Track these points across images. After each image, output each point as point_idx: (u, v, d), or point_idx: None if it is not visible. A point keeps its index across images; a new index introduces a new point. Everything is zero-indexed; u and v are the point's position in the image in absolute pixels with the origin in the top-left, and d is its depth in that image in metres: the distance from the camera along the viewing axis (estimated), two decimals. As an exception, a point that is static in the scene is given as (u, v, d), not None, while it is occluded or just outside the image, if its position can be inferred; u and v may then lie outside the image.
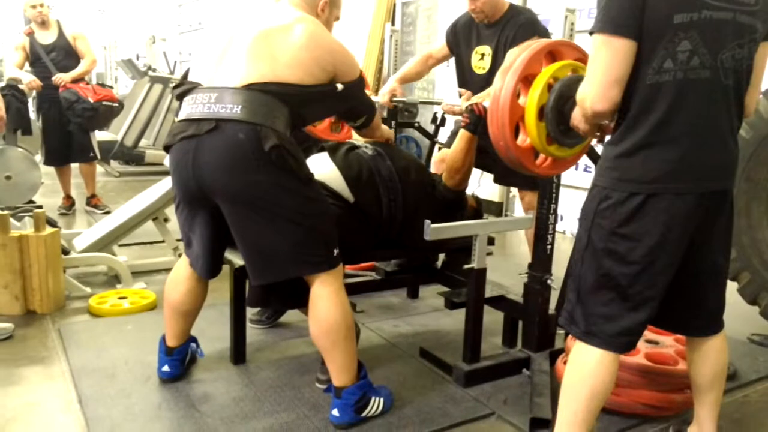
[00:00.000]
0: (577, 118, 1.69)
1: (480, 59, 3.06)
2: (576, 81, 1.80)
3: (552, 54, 1.94)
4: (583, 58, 1.97)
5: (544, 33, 2.92)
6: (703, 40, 1.51)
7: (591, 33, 1.56)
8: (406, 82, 3.39)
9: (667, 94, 1.53)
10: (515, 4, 3.04)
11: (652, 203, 1.56)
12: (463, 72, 3.18)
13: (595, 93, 1.53)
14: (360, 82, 2.12)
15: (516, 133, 1.91)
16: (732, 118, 1.62)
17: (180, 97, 2.01)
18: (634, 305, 1.63)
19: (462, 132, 2.40)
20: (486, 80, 2.98)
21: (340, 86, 2.01)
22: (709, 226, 1.67)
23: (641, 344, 2.22)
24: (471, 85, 3.12)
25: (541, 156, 2.00)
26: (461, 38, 3.15)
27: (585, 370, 1.67)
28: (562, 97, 1.82)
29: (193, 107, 1.91)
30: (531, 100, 1.86)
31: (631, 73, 1.54)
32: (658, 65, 1.52)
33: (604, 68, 1.52)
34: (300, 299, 2.10)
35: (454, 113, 2.65)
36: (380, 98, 3.24)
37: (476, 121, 2.30)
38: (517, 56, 1.92)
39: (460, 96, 2.68)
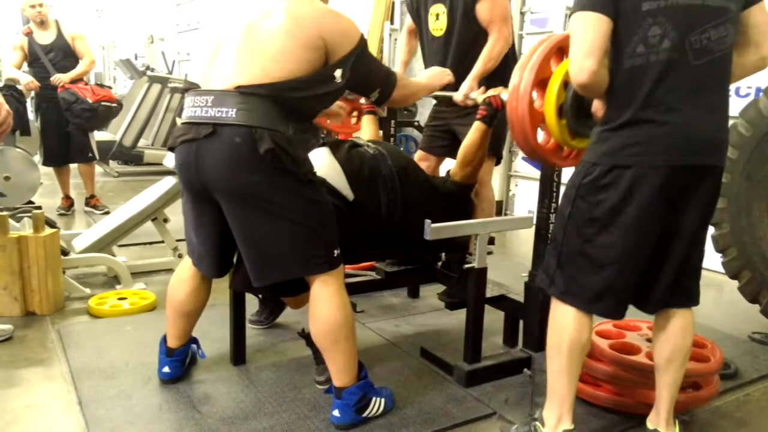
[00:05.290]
0: (595, 104, 1.82)
1: (436, 20, 2.82)
2: None
3: (562, 50, 1.99)
4: None
5: None
6: (671, 24, 1.62)
7: (571, 15, 1.69)
8: (408, 64, 3.17)
9: (642, 76, 1.64)
10: None
11: (631, 175, 1.67)
12: (424, 38, 2.94)
13: (572, 66, 1.65)
14: (361, 50, 1.97)
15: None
16: (713, 97, 1.69)
17: (185, 94, 2.03)
18: (609, 271, 1.75)
19: (477, 124, 2.43)
20: (443, 44, 2.81)
21: (338, 75, 1.93)
22: (688, 199, 1.73)
23: (642, 344, 2.22)
24: (431, 54, 2.89)
25: (566, 149, 2.09)
26: (420, 0, 2.91)
27: (563, 329, 1.82)
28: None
29: (192, 110, 1.93)
30: (549, 103, 1.94)
31: (611, 57, 1.67)
32: (632, 50, 1.64)
33: (578, 41, 1.64)
34: (285, 288, 2.12)
35: (466, 105, 2.64)
36: None
37: (493, 113, 2.37)
38: (530, 56, 1.98)
39: (473, 89, 2.63)
